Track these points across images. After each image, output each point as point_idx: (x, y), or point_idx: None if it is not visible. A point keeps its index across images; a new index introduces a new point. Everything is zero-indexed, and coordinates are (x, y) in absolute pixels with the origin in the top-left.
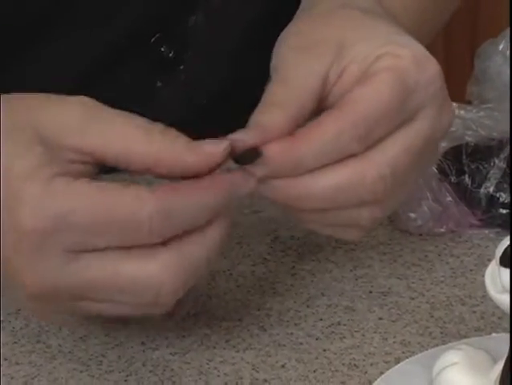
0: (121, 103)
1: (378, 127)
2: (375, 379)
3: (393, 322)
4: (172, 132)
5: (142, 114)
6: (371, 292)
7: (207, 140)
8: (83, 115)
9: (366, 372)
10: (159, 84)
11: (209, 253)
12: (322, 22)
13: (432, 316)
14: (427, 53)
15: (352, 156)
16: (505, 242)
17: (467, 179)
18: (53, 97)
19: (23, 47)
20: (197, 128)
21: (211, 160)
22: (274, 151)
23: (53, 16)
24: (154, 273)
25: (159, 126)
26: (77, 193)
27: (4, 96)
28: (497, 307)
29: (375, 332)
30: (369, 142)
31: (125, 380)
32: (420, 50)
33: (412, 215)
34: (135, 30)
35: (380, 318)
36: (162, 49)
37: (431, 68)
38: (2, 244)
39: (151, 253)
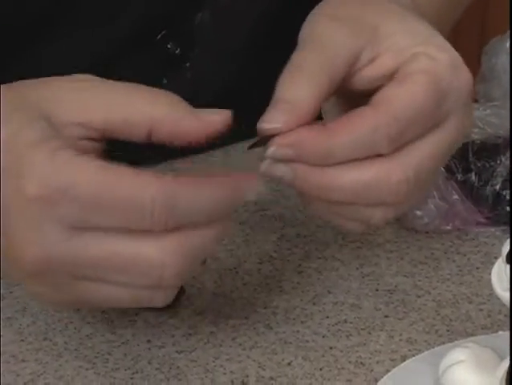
0: None
1: (409, 129)
2: (382, 377)
3: (399, 319)
4: (176, 97)
5: None
6: (377, 290)
7: (210, 109)
8: (84, 90)
9: (372, 370)
10: (165, 81)
11: (208, 244)
12: (358, 5)
13: (438, 314)
14: (461, 59)
15: (380, 155)
16: (510, 240)
17: (473, 177)
18: (56, 77)
19: (26, 46)
20: None
21: (212, 127)
22: (306, 137)
23: (57, 14)
24: (156, 254)
25: (162, 91)
26: (81, 167)
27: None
28: (504, 305)
29: (381, 330)
30: (398, 143)
31: (131, 378)
32: (455, 55)
33: (419, 213)
34: (141, 26)
35: (387, 316)
36: (168, 46)
37: (464, 75)
38: (2, 215)
39: (152, 236)
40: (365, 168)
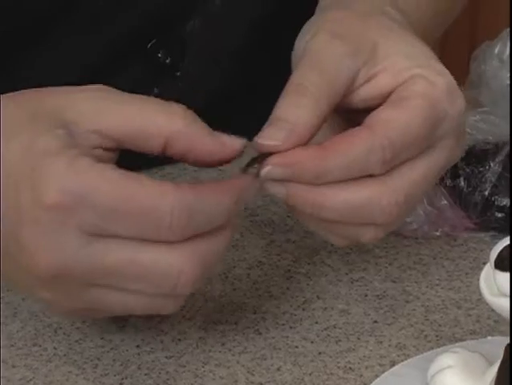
0: None
1: (403, 152)
2: (371, 382)
3: (388, 325)
4: (192, 113)
5: None
6: (366, 295)
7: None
8: (100, 99)
9: (361, 375)
10: (156, 90)
11: (221, 250)
12: (360, 20)
13: (427, 319)
14: (456, 84)
15: (371, 175)
16: (500, 245)
17: (462, 182)
18: (71, 87)
19: (17, 55)
20: None
21: (226, 151)
22: (301, 158)
23: (48, 22)
24: (173, 261)
25: (180, 106)
26: (100, 175)
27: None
28: (493, 310)
29: (370, 335)
30: (391, 165)
31: (120, 383)
32: (451, 80)
33: (408, 218)
34: (131, 35)
35: (376, 322)
36: (159, 55)
37: (459, 101)
38: (17, 223)
39: (169, 245)
40: (358, 190)
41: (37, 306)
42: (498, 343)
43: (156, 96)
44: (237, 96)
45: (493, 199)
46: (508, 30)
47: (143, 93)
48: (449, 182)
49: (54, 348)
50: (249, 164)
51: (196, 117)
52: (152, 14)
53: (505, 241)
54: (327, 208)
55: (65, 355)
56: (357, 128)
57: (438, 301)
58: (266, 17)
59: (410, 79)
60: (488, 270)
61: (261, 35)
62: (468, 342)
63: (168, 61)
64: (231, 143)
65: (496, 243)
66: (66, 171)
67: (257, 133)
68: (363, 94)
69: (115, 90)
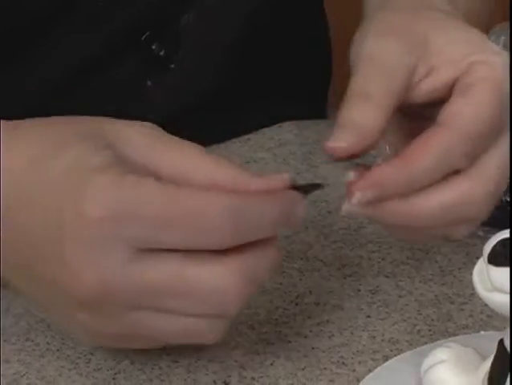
0: (111, 101)
1: (482, 141)
2: (364, 377)
3: (382, 320)
4: (234, 163)
5: (132, 112)
6: (359, 290)
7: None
8: (152, 137)
9: (354, 370)
10: (149, 83)
11: (268, 267)
12: (406, 17)
13: (420, 314)
14: None
15: (457, 171)
16: (493, 240)
17: None
18: (123, 120)
19: (18, 49)
20: (187, 128)
21: (271, 187)
22: (386, 174)
23: (47, 21)
24: (219, 277)
25: (223, 158)
26: (148, 187)
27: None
28: (486, 305)
29: (363, 330)
30: (475, 156)
31: (113, 378)
32: (508, 58)
33: None
34: (126, 28)
35: (369, 316)
36: (153, 47)
37: None
38: (61, 240)
39: (215, 258)
40: (448, 189)
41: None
42: (491, 338)
43: (150, 89)
44: (231, 91)
45: None
46: (501, 25)
47: (136, 84)
48: None
49: (47, 343)
50: (300, 188)
51: (238, 165)
52: (147, 7)
53: (499, 236)
54: (423, 216)
55: (58, 350)
56: (432, 129)
57: (431, 296)
58: (261, 11)
59: (470, 66)
60: (481, 265)
61: (256, 30)
62: (461, 336)
63: (162, 53)
64: (277, 179)
65: (489, 238)
66: (111, 186)
67: (246, 127)
68: (425, 88)
69: (160, 129)
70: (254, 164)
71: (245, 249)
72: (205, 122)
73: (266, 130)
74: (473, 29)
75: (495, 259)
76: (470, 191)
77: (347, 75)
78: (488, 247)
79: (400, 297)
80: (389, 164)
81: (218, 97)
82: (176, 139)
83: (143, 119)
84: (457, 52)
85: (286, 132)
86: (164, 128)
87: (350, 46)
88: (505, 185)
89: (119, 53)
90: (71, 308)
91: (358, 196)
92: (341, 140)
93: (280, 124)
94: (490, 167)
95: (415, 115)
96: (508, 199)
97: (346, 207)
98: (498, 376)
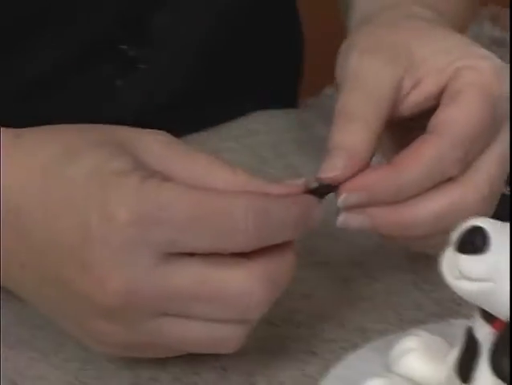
0: (84, 101)
1: (474, 147)
2: (334, 366)
3: (351, 308)
4: (249, 173)
5: (105, 112)
6: (329, 279)
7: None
8: (169, 144)
9: (324, 359)
10: (120, 83)
11: (290, 271)
12: (389, 30)
13: (389, 302)
14: (502, 63)
15: (451, 179)
16: (462, 228)
17: None
18: (140, 129)
19: None
20: (158, 126)
21: (288, 192)
22: (374, 179)
23: (17, 20)
24: (244, 281)
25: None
26: (171, 190)
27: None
28: (455, 293)
29: (333, 319)
30: (467, 163)
31: (84, 369)
32: (497, 61)
33: None
34: (95, 27)
35: (338, 305)
36: (123, 47)
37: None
38: (84, 245)
39: (239, 262)
40: (441, 197)
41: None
42: (460, 326)
43: (121, 88)
44: (202, 90)
45: None
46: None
47: (108, 85)
48: None
49: (18, 334)
50: (314, 192)
51: (253, 175)
52: (117, 6)
53: (468, 224)
54: (417, 224)
55: (28, 341)
56: (422, 137)
57: (400, 284)
58: (233, 10)
59: (456, 72)
60: (450, 253)
61: (227, 29)
62: (430, 325)
63: (132, 53)
64: (292, 184)
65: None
66: (137, 189)
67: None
68: (413, 100)
69: (174, 138)
70: (223, 154)
71: (266, 253)
72: (176, 121)
73: (234, 120)
74: (457, 34)
75: (464, 247)
76: (463, 198)
77: (318, 66)
78: (457, 235)
79: (370, 285)
80: (379, 169)
81: (190, 96)
82: (190, 147)
83: (114, 118)
84: (442, 60)
85: (254, 122)
86: (135, 126)
87: (322, 37)
88: (501, 189)
89: (90, 53)
90: (89, 315)
91: (343, 197)
92: (334, 169)
93: (248, 114)
94: (483, 172)
95: (405, 126)
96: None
97: (340, 219)
98: (467, 364)
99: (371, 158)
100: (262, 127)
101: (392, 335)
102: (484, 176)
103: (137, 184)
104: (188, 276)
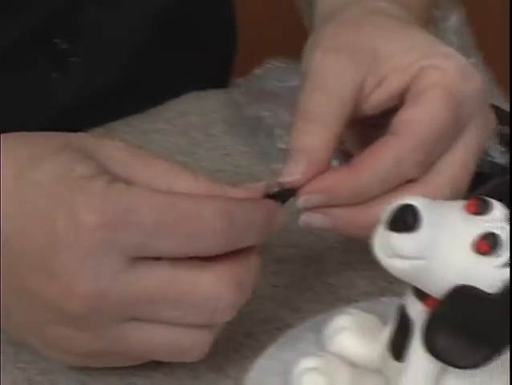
0: (19, 93)
1: (435, 148)
2: (268, 346)
3: (286, 289)
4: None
5: (36, 105)
6: (265, 260)
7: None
8: (127, 150)
9: (259, 340)
10: (54, 75)
11: (255, 275)
12: (353, 28)
13: (323, 282)
14: (468, 63)
15: (411, 180)
16: (393, 206)
17: None
18: (95, 136)
19: None
20: (89, 120)
21: (249, 196)
22: (333, 180)
23: None
24: (212, 284)
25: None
26: (138, 194)
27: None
28: (387, 271)
29: (268, 299)
30: (428, 165)
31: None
32: (462, 60)
33: None
34: (28, 19)
35: (274, 286)
36: (56, 40)
37: (475, 79)
38: (51, 250)
39: (208, 265)
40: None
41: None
42: (392, 304)
43: (54, 81)
44: (135, 81)
45: None
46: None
47: (42, 77)
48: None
49: None
50: (276, 195)
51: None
52: (50, 0)
53: (399, 202)
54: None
55: None
56: (383, 138)
57: (334, 263)
58: (168, 5)
59: (420, 71)
60: (382, 232)
61: (163, 23)
62: (362, 303)
63: (64, 46)
64: (253, 193)
65: (391, 206)
66: (103, 193)
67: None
68: (376, 99)
69: (139, 146)
70: (154, 135)
71: (232, 257)
72: (108, 115)
73: (165, 102)
74: (424, 32)
75: (395, 225)
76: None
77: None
78: (388, 213)
79: (305, 266)
80: (339, 171)
81: (123, 90)
82: (150, 153)
83: (47, 111)
84: (406, 58)
85: (185, 103)
86: (68, 119)
87: (255, 19)
88: (463, 189)
89: (24, 46)
90: (55, 322)
91: (303, 199)
92: (294, 174)
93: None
94: (445, 174)
95: (371, 124)
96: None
97: (303, 218)
98: (399, 342)
99: (330, 160)
100: (192, 109)
101: (326, 314)
102: (445, 178)
103: (103, 187)
104: (156, 279)
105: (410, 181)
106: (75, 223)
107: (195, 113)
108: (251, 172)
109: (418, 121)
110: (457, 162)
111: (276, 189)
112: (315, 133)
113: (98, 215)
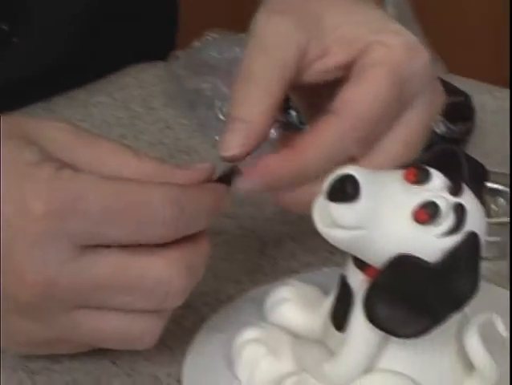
0: None
1: (377, 126)
2: (209, 318)
3: (226, 260)
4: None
5: None
6: None
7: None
8: (70, 132)
9: (200, 311)
10: None
11: (205, 260)
12: None
13: (263, 253)
14: (416, 40)
15: (354, 158)
16: (333, 176)
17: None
18: (40, 118)
19: None
20: (32, 95)
21: (196, 177)
22: (273, 165)
23: None
24: (162, 269)
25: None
26: (86, 181)
27: None
28: (327, 242)
29: (207, 271)
30: (369, 143)
31: None
32: (410, 37)
33: None
34: None
35: (212, 257)
36: None
37: (422, 56)
38: (9, 237)
39: (157, 251)
40: None
41: None
42: (333, 274)
43: None
44: (77, 62)
45: None
46: None
47: None
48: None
49: None
50: (222, 179)
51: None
52: None
53: (338, 172)
54: None
55: None
56: (324, 117)
57: (274, 235)
58: None
59: (366, 47)
60: (321, 202)
61: (102, 9)
62: (303, 274)
63: (4, 27)
64: (199, 168)
65: (329, 177)
66: (51, 180)
67: None
68: (318, 68)
69: (82, 128)
70: (94, 109)
71: (182, 242)
72: (52, 88)
73: (107, 76)
74: (376, 9)
75: (334, 195)
76: None
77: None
78: (327, 183)
79: (244, 237)
80: (280, 154)
81: (64, 65)
82: (93, 135)
83: None
84: (353, 31)
85: (125, 76)
86: (11, 95)
87: None
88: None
89: None
90: (4, 311)
91: (247, 184)
92: (234, 147)
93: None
94: (386, 152)
95: (320, 95)
96: None
97: (238, 184)
98: (341, 312)
99: (269, 129)
100: (132, 82)
101: (267, 285)
102: (386, 156)
103: (50, 175)
104: (106, 266)
105: (351, 160)
106: (22, 211)
107: (135, 86)
108: (191, 144)
109: (359, 101)
110: (400, 140)
111: (221, 172)
112: (255, 97)
113: (45, 203)
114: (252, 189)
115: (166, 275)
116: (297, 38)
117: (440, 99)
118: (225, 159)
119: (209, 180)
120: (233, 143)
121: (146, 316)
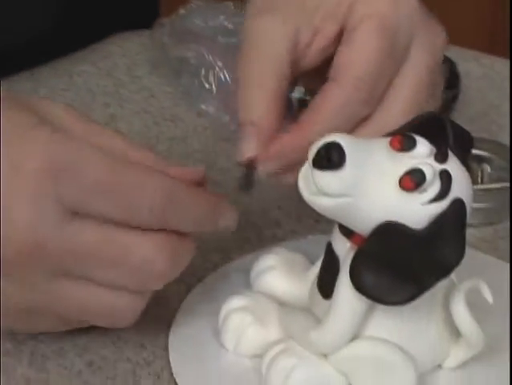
0: None
1: (378, 82)
2: (195, 287)
3: None
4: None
5: None
6: None
7: None
8: (74, 117)
9: (186, 280)
10: None
11: (190, 254)
12: None
13: (248, 221)
14: None
15: (364, 119)
16: (318, 144)
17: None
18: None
19: None
20: (16, 66)
21: (186, 175)
22: (287, 143)
23: None
24: (148, 248)
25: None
26: (86, 148)
27: None
28: (313, 209)
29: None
30: (375, 100)
31: None
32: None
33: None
34: None
35: None
36: None
37: (408, 2)
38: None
39: (146, 232)
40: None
41: None
42: (319, 242)
43: None
44: (57, 34)
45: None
46: None
47: None
48: None
49: None
50: (242, 184)
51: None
52: None
53: (323, 140)
54: None
55: None
56: (325, 86)
57: (258, 203)
58: None
59: (350, 9)
60: (306, 169)
61: None
62: (289, 242)
63: None
64: (193, 171)
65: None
66: (49, 139)
67: None
68: (316, 49)
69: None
70: (78, 78)
71: (170, 233)
72: (37, 59)
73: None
74: None
75: (320, 163)
76: (378, 134)
77: None
78: (312, 151)
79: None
80: (288, 132)
81: (49, 35)
82: (97, 123)
83: None
84: (335, 2)
85: (109, 44)
86: None
87: None
88: (430, 104)
89: None
90: None
91: (262, 169)
92: (249, 150)
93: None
94: (396, 104)
95: (325, 73)
96: None
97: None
98: (327, 280)
99: (279, 121)
100: (116, 50)
101: (253, 254)
102: (396, 109)
103: (47, 136)
104: (94, 235)
105: (364, 120)
106: (16, 168)
107: (119, 55)
108: (176, 112)
109: (354, 61)
110: (407, 90)
111: (239, 181)
112: (258, 99)
113: (39, 161)
114: (271, 171)
115: (151, 255)
116: (285, 31)
117: (440, 39)
118: (242, 164)
119: (199, 183)
120: (247, 147)
121: (128, 294)
